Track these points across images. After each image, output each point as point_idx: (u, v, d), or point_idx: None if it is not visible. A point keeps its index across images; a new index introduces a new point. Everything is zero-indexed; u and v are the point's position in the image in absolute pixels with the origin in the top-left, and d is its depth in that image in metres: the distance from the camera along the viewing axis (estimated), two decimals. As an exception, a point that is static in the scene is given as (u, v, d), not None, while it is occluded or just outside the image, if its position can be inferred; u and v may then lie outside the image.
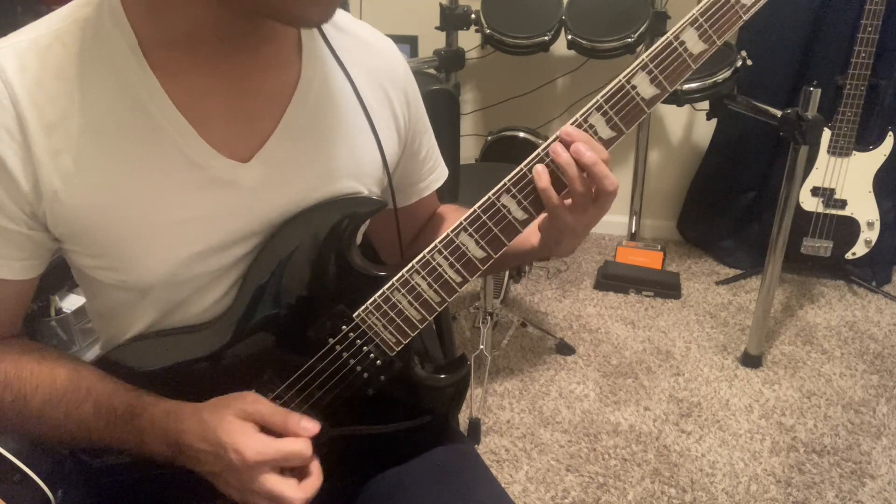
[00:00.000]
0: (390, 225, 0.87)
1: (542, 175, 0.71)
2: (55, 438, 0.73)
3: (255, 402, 0.70)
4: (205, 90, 0.68)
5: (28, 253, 0.69)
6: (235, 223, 0.71)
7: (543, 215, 0.75)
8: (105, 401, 0.71)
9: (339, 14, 0.79)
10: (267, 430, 0.70)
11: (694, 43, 0.68)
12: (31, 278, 0.72)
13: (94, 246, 0.69)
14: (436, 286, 0.74)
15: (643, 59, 0.68)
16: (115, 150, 0.66)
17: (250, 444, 0.67)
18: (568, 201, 0.72)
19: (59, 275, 0.81)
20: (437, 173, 0.93)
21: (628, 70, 0.69)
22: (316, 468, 0.72)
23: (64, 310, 1.69)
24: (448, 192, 1.30)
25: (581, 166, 0.69)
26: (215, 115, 0.69)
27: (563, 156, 0.70)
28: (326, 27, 0.76)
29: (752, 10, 0.67)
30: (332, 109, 0.75)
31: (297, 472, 0.71)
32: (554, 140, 0.71)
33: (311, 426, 0.71)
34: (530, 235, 0.80)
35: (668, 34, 0.68)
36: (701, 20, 0.68)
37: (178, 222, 0.69)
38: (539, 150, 0.71)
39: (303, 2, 0.60)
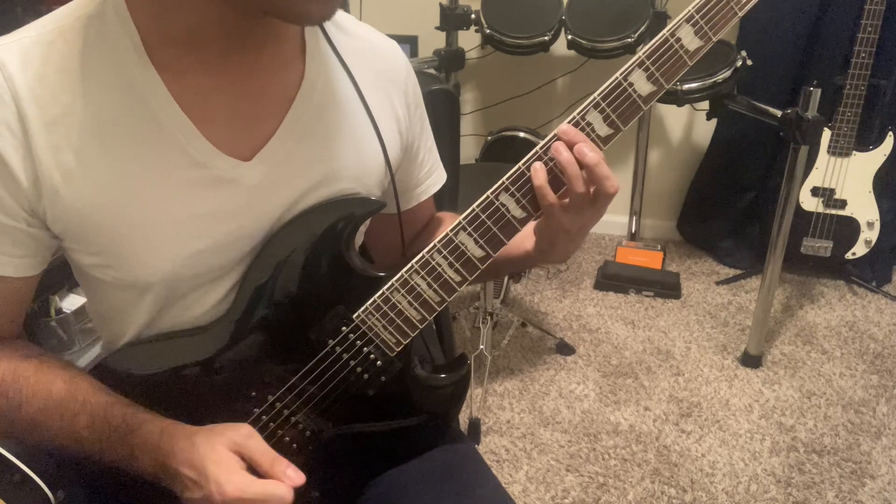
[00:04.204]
0: (386, 229, 0.87)
1: (538, 172, 0.71)
2: (45, 446, 0.72)
3: (248, 437, 0.69)
4: (208, 89, 0.68)
5: (28, 250, 0.69)
6: (236, 222, 0.71)
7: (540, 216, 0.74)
8: (100, 414, 0.70)
9: (343, 16, 0.79)
10: (253, 469, 0.68)
11: (690, 39, 0.69)
12: (32, 276, 0.71)
13: (94, 244, 0.69)
14: (435, 286, 0.74)
15: (639, 56, 0.68)
16: (117, 147, 0.66)
17: (233, 479, 0.65)
18: (565, 201, 0.71)
19: (59, 275, 0.81)
20: (435, 177, 0.92)
21: (625, 67, 0.69)
22: None
23: (64, 310, 1.69)
24: (448, 193, 1.29)
25: (582, 166, 0.69)
26: (218, 113, 0.69)
27: (564, 154, 0.69)
28: (330, 29, 0.76)
29: (748, 7, 0.68)
30: (336, 110, 0.75)
31: None
32: (553, 138, 0.70)
33: (297, 477, 0.69)
34: (525, 240, 0.79)
35: (665, 31, 0.68)
36: (696, 17, 0.68)
37: (179, 220, 0.69)
38: (538, 147, 0.71)
39: None
